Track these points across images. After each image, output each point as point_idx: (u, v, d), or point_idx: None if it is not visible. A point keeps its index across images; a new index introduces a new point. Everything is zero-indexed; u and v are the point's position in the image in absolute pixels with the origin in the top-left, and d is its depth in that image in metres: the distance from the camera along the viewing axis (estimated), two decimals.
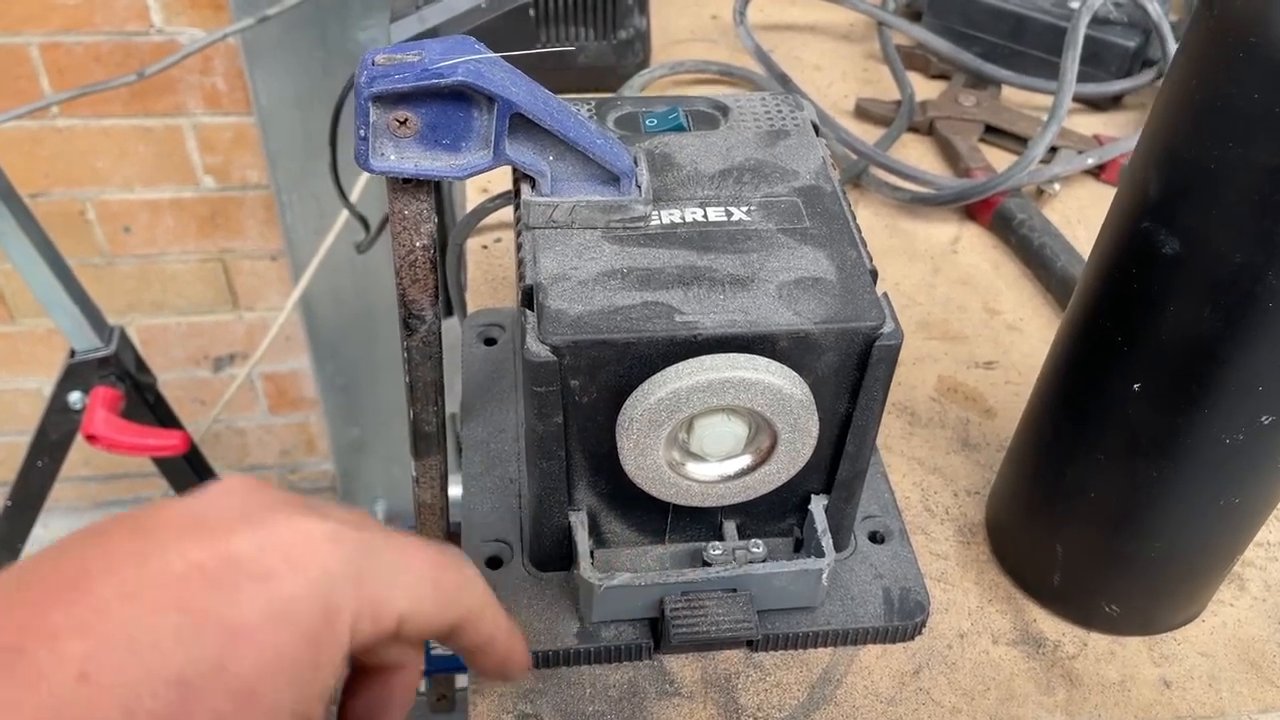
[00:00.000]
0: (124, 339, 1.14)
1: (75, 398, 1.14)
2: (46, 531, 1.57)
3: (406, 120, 0.39)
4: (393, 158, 0.40)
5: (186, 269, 1.53)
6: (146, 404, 1.17)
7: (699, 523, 0.46)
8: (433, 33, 0.73)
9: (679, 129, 0.48)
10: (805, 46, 0.88)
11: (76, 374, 1.12)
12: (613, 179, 0.42)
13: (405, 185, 0.41)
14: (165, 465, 1.26)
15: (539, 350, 0.38)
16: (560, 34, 0.75)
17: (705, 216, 0.43)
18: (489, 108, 0.39)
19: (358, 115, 0.38)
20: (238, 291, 1.57)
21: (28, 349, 1.59)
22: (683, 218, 0.43)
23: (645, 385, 0.39)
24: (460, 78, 0.38)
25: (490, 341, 0.58)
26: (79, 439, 1.15)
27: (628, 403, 0.40)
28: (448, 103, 0.39)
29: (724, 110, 0.50)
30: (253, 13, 1.13)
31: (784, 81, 0.79)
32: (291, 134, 1.35)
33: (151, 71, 1.09)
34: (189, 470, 1.27)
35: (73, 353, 1.12)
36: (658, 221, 0.43)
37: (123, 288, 1.53)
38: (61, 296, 1.06)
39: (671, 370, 0.39)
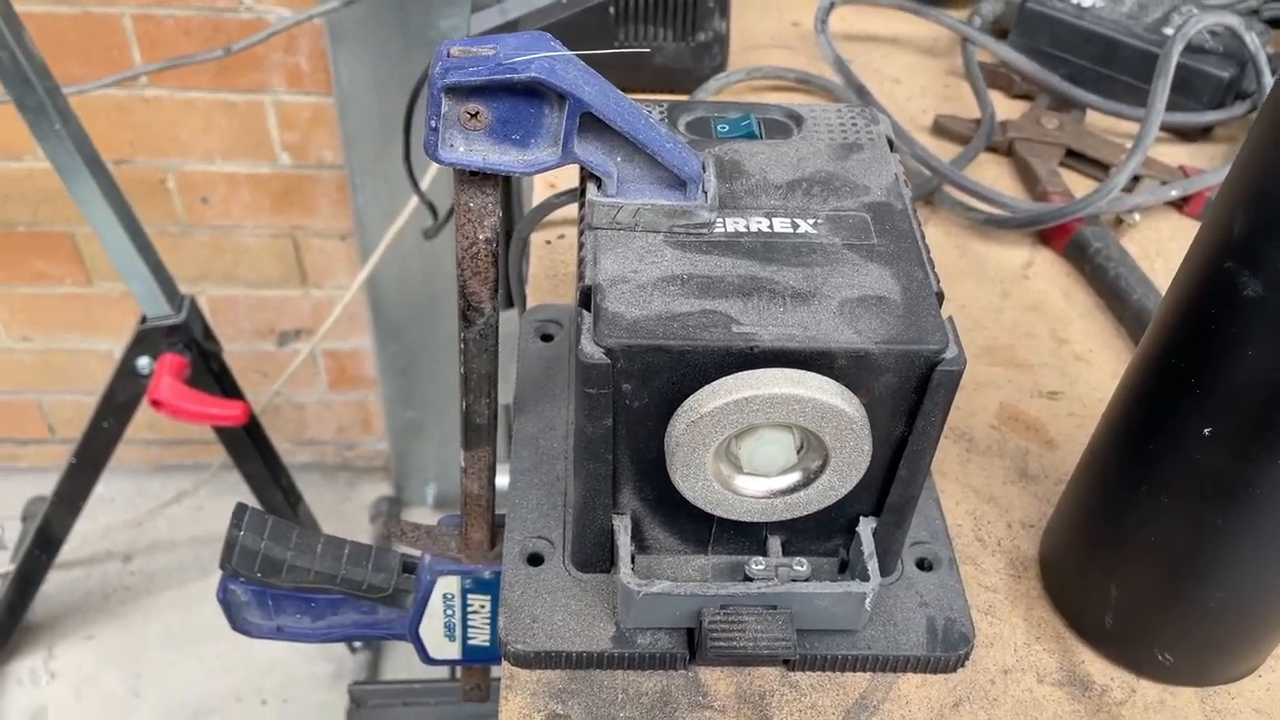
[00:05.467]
0: (194, 308, 1.17)
1: (143, 363, 1.17)
2: (107, 490, 1.62)
3: (477, 113, 0.39)
4: (461, 150, 0.40)
5: (258, 243, 1.56)
6: (211, 373, 1.19)
7: (743, 536, 0.46)
8: (513, 25, 0.73)
9: (750, 136, 0.48)
10: (886, 59, 0.87)
11: (146, 340, 1.15)
12: (679, 184, 0.42)
13: (472, 178, 0.41)
14: (225, 435, 1.28)
15: (593, 352, 0.38)
16: (638, 33, 0.75)
17: (771, 227, 0.43)
18: (560, 105, 0.39)
19: (429, 105, 0.39)
20: (306, 268, 1.60)
21: (102, 311, 1.63)
22: (747, 227, 0.42)
23: (698, 395, 0.38)
24: (533, 74, 0.38)
25: (547, 338, 0.58)
26: (144, 403, 1.17)
27: (679, 411, 0.39)
28: (519, 98, 0.39)
29: (798, 120, 0.49)
30: None
31: (861, 93, 0.78)
32: (368, 117, 1.36)
33: (239, 47, 1.11)
34: (248, 441, 1.29)
35: (144, 319, 1.14)
36: (722, 229, 0.42)
37: (196, 257, 1.57)
38: (137, 263, 1.08)
39: (725, 382, 0.38)
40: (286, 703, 1.60)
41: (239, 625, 0.57)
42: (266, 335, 1.69)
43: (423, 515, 1.86)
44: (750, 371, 0.38)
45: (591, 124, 0.40)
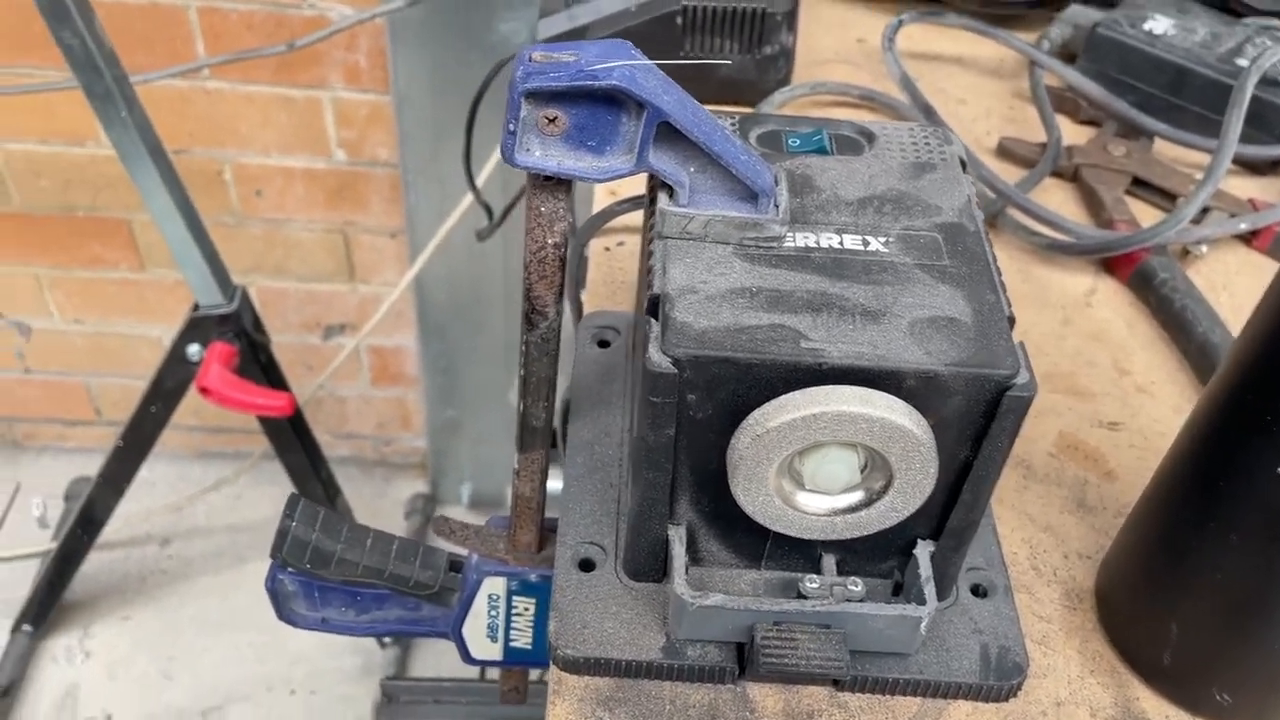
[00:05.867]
0: (245, 299, 1.18)
1: (194, 350, 1.18)
2: (148, 474, 1.64)
3: (556, 119, 0.39)
4: (538, 154, 0.40)
5: (310, 237, 1.58)
6: (259, 363, 1.21)
7: (798, 553, 0.45)
8: (581, 32, 0.73)
9: (822, 151, 0.47)
10: (951, 79, 0.86)
11: (197, 327, 1.17)
12: (751, 196, 0.42)
13: (545, 182, 0.41)
14: (269, 425, 1.29)
15: (660, 360, 0.38)
16: (705, 44, 0.75)
17: (841, 243, 0.42)
18: (638, 114, 0.39)
19: (509, 109, 0.39)
20: (355, 264, 1.61)
21: (155, 297, 1.66)
22: (818, 242, 0.42)
23: (764, 409, 0.38)
24: (614, 81, 0.38)
25: (604, 344, 0.58)
26: (192, 390, 1.19)
27: (744, 425, 0.39)
28: (598, 105, 0.39)
29: (870, 137, 0.49)
30: None
31: (928, 112, 0.77)
32: (424, 117, 1.37)
33: (301, 44, 1.12)
34: (291, 432, 1.31)
35: (196, 306, 1.16)
36: (792, 244, 0.42)
37: (248, 249, 1.59)
38: (193, 252, 1.10)
39: (793, 397, 0.38)
40: (314, 694, 1.61)
41: (285, 615, 0.57)
42: (313, 328, 1.71)
43: (457, 514, 1.87)
44: (818, 388, 0.38)
45: (667, 133, 0.40)
